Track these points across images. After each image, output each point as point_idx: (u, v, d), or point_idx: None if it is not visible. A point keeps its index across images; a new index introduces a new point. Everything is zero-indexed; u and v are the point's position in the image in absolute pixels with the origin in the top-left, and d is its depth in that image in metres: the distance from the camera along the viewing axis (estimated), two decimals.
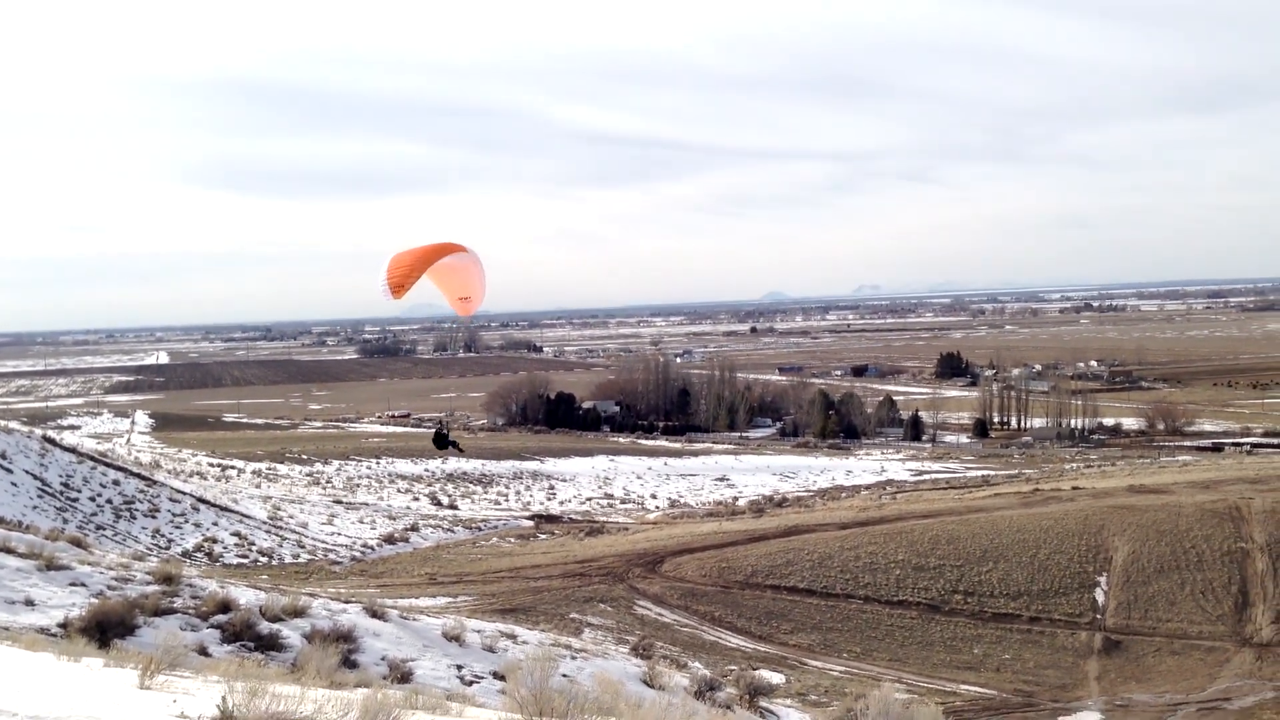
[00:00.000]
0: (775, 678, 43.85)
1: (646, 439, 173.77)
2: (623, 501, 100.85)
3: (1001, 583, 59.60)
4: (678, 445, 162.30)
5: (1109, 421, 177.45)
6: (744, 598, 57.57)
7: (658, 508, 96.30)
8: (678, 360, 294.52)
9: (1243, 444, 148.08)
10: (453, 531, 77.71)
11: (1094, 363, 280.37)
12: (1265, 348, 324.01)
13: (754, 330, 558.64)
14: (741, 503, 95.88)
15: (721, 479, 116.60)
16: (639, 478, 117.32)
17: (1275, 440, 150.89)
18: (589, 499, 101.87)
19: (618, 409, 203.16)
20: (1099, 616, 56.68)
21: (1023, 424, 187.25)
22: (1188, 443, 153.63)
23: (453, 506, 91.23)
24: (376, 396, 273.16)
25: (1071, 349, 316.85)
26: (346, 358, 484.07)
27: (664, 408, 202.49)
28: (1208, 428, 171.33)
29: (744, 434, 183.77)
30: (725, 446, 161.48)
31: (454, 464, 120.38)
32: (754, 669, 43.91)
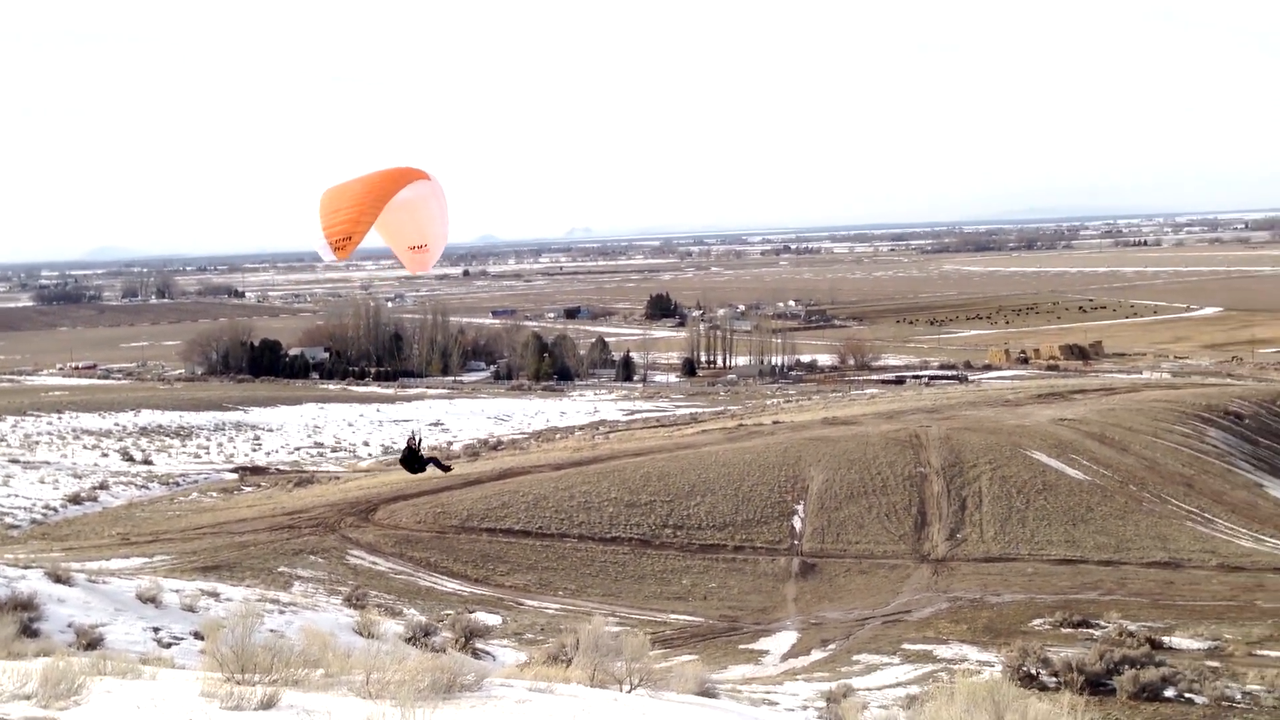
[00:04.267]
0: (492, 619, 44.04)
1: (358, 385, 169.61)
2: (334, 450, 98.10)
3: (709, 515, 62.16)
4: (390, 391, 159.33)
5: (806, 358, 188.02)
6: (460, 542, 57.40)
7: (371, 455, 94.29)
8: (389, 305, 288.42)
9: (921, 376, 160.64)
10: (147, 488, 73.19)
11: (792, 302, 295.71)
12: (941, 287, 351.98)
13: (467, 274, 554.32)
14: (456, 447, 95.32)
15: (436, 424, 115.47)
16: (350, 425, 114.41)
17: (949, 373, 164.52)
18: (298, 449, 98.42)
19: (327, 355, 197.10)
20: (797, 542, 60.20)
21: (728, 362, 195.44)
22: (875, 376, 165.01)
23: (147, 462, 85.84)
24: (57, 347, 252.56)
25: (772, 290, 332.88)
26: (20, 305, 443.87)
27: (376, 353, 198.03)
28: (892, 362, 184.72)
29: (458, 378, 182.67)
30: (439, 391, 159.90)
31: (148, 416, 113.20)
32: (470, 612, 43.94)
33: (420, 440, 26.43)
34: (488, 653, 35.40)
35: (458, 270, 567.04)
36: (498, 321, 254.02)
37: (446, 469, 28.94)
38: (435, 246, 21.41)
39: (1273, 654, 40.84)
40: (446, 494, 63.68)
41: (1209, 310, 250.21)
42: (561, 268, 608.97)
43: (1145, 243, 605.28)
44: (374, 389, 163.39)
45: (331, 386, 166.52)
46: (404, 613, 41.41)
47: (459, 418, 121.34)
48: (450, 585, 51.80)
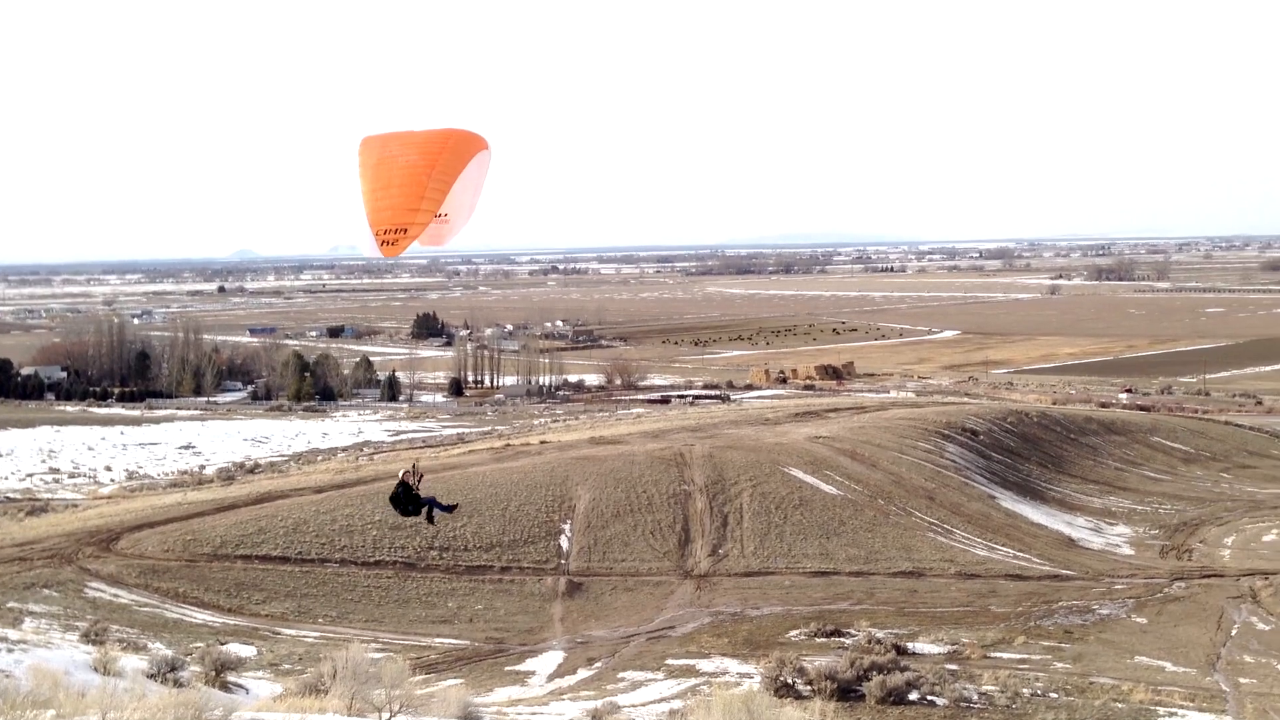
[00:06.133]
0: (246, 651, 42.06)
1: (100, 407, 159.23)
2: (71, 476, 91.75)
3: (475, 536, 61.48)
4: (136, 412, 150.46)
5: (574, 378, 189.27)
6: (213, 570, 54.61)
7: (113, 480, 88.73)
8: (136, 321, 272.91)
9: (686, 396, 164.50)
10: None
11: (560, 323, 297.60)
12: (705, 309, 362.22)
13: (222, 290, 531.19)
14: (209, 471, 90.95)
15: (187, 447, 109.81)
16: (91, 449, 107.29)
17: (713, 392, 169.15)
18: (30, 475, 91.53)
19: (64, 375, 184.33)
20: (564, 561, 60.32)
21: (496, 382, 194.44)
22: (641, 396, 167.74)
23: None
24: None
25: (540, 310, 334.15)
26: None
27: (120, 373, 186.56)
28: (658, 382, 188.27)
29: (212, 399, 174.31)
30: (191, 412, 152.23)
31: None
32: (222, 644, 41.82)
33: (420, 477, 21.62)
34: (241, 686, 33.77)
35: (212, 286, 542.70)
36: (256, 340, 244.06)
37: (450, 509, 23.71)
38: (459, 220, 17.28)
39: (1005, 656, 43.76)
40: (198, 520, 60.49)
41: (948, 333, 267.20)
42: (325, 285, 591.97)
43: (892, 269, 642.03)
44: (118, 410, 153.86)
45: (70, 408, 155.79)
46: (148, 647, 39.01)
47: (213, 440, 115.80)
48: (201, 616, 49.20)
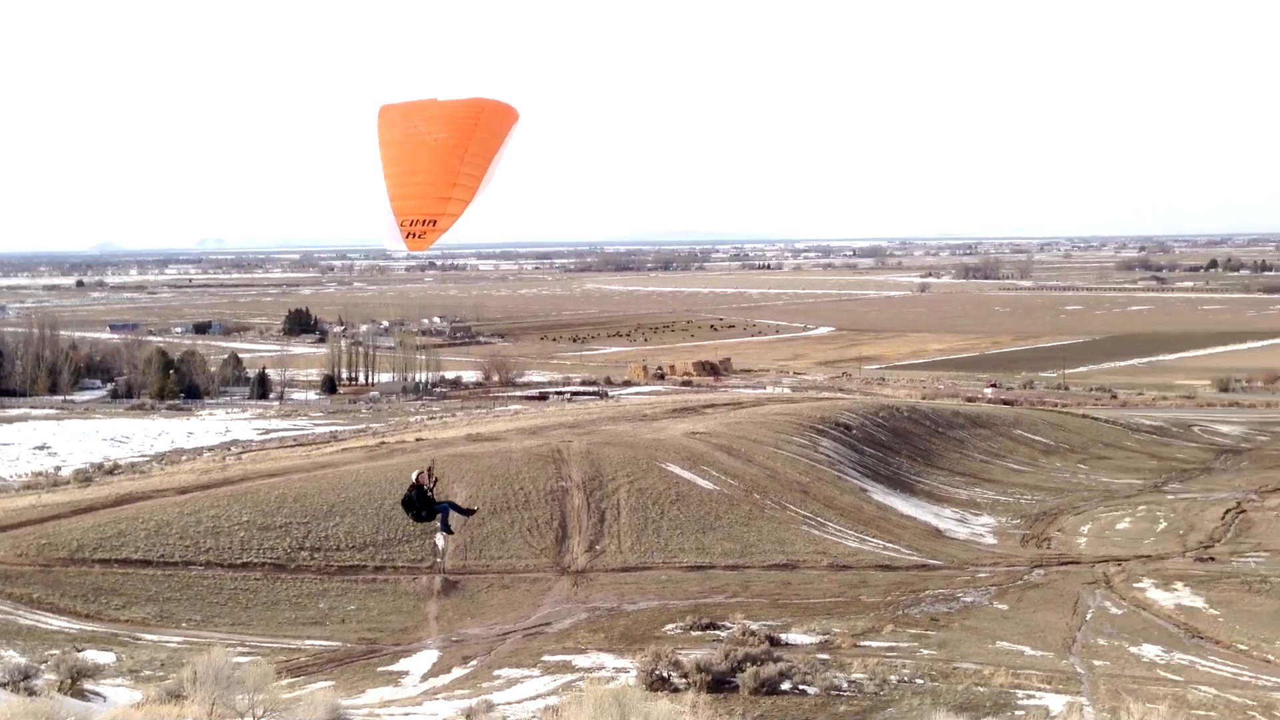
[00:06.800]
0: (104, 657, 40.62)
1: None
2: None
3: (348, 536, 60.37)
4: None
5: (451, 374, 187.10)
6: (69, 575, 52.51)
7: None
8: None
9: (564, 392, 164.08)
10: None
11: (437, 319, 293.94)
12: (583, 305, 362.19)
13: (81, 284, 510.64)
14: (66, 472, 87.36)
15: (41, 447, 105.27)
16: None
17: (591, 388, 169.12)
18: None
19: None
20: (439, 560, 59.63)
21: (371, 379, 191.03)
22: (519, 393, 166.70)
23: None
24: None
25: (417, 306, 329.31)
26: None
27: None
28: (536, 378, 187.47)
29: (69, 397, 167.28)
30: (46, 411, 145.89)
31: None
32: (79, 650, 40.28)
33: (435, 480, 20.10)
34: (98, 693, 32.58)
35: (70, 280, 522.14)
36: (117, 336, 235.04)
37: (468, 513, 22.29)
38: (479, 190, 15.20)
39: (874, 644, 44.77)
40: (54, 523, 58.06)
41: (823, 330, 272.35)
42: (191, 280, 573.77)
43: (769, 266, 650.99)
44: None
45: None
46: (0, 656, 37.32)
47: (69, 440, 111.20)
48: (56, 623, 47.30)
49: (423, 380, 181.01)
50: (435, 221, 13.99)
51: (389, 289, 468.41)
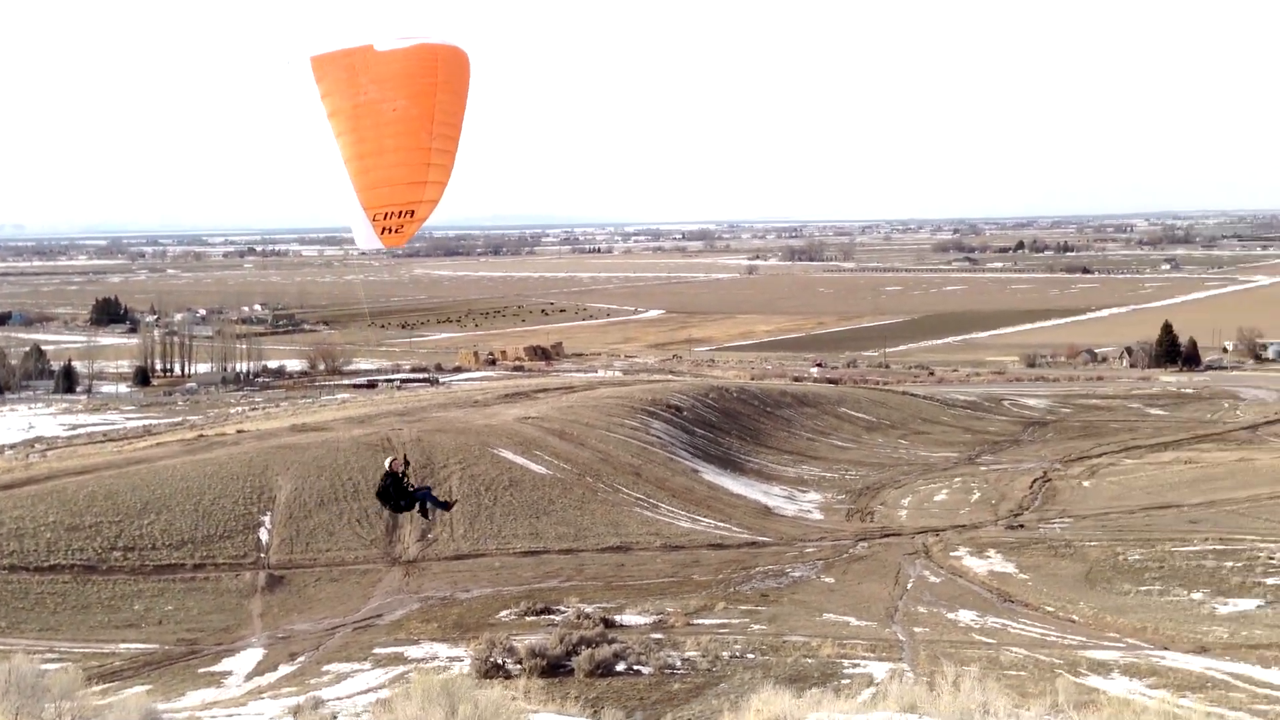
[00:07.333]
0: None
1: None
2: None
3: (164, 534, 57.84)
4: None
5: (274, 364, 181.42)
6: None
7: None
8: None
9: (394, 380, 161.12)
10: None
11: (258, 306, 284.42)
12: (412, 291, 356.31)
13: None
14: None
15: None
16: None
17: (421, 375, 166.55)
18: None
19: None
20: (263, 555, 57.74)
21: (188, 370, 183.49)
22: (347, 381, 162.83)
23: None
24: None
25: (237, 293, 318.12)
26: None
27: None
28: (364, 366, 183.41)
29: None
30: None
31: None
32: None
33: (408, 466, 18.68)
34: None
35: None
36: None
37: (447, 506, 20.82)
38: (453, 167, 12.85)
39: (707, 622, 45.43)
40: None
41: (653, 313, 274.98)
42: None
43: (599, 250, 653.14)
44: None
45: None
46: None
47: None
48: None
49: (244, 370, 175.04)
50: (413, 211, 12.06)
51: (206, 276, 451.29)
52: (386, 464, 18.53)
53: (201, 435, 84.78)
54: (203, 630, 48.16)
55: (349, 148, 11.41)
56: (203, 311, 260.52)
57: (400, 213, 11.89)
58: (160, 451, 75.47)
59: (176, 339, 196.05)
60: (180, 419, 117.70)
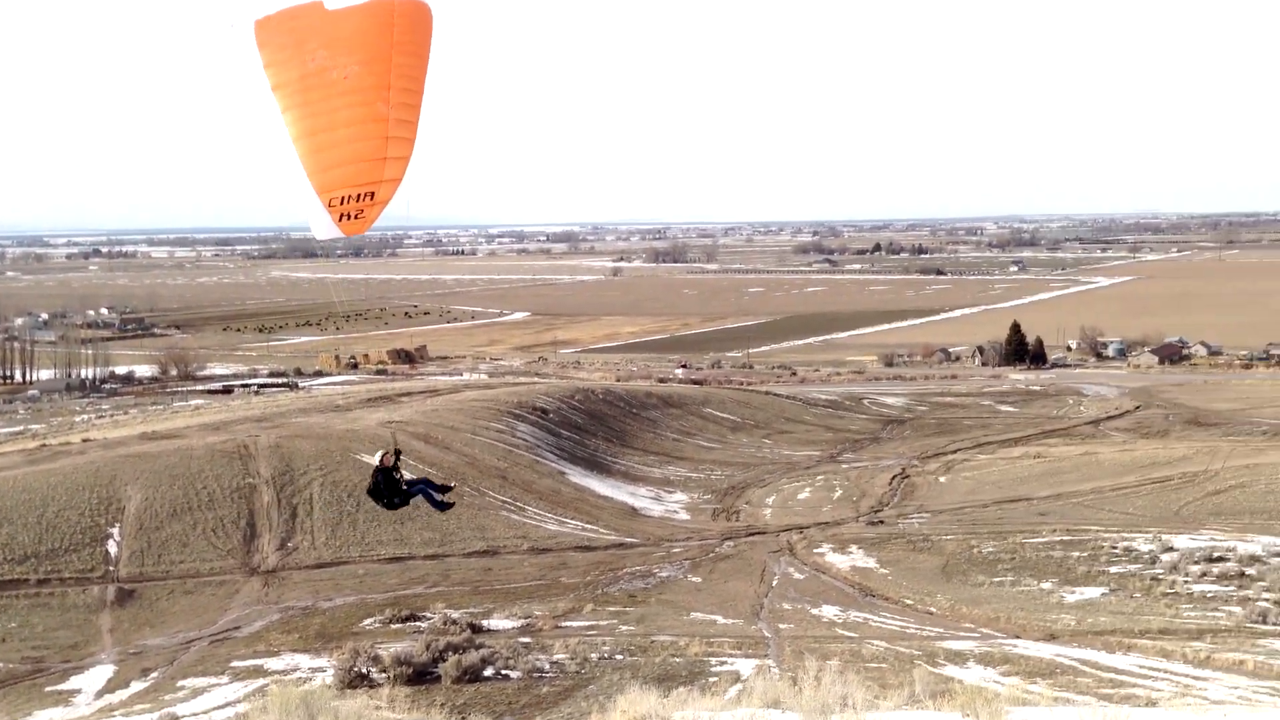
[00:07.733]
0: None
1: None
2: None
3: (6, 548, 55.08)
4: None
5: (122, 369, 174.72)
6: None
7: None
8: None
9: (251, 385, 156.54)
10: None
11: (105, 310, 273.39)
12: (270, 293, 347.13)
13: None
14: None
15: None
16: None
17: (280, 380, 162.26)
18: None
19: None
20: (112, 568, 55.46)
21: (29, 376, 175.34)
22: (201, 387, 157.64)
23: None
24: None
25: (81, 296, 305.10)
26: None
27: None
28: (219, 371, 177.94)
29: None
30: None
31: None
32: None
33: (399, 458, 17.02)
34: None
35: None
36: None
37: (447, 499, 18.51)
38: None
39: (575, 624, 45.40)
40: None
41: (519, 315, 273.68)
42: None
43: (463, 252, 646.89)
44: None
45: None
46: None
47: None
48: None
49: (90, 376, 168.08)
50: (373, 193, 10.82)
51: (48, 278, 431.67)
52: (376, 459, 17.25)
53: (45, 444, 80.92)
54: (49, 648, 45.99)
55: (296, 124, 10.23)
56: (45, 315, 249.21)
57: (359, 195, 10.82)
58: (0, 462, 71.80)
59: (17, 344, 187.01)
60: (21, 428, 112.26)
